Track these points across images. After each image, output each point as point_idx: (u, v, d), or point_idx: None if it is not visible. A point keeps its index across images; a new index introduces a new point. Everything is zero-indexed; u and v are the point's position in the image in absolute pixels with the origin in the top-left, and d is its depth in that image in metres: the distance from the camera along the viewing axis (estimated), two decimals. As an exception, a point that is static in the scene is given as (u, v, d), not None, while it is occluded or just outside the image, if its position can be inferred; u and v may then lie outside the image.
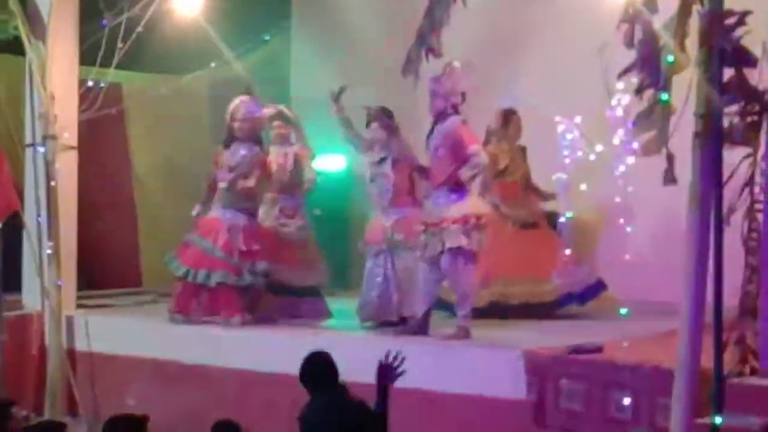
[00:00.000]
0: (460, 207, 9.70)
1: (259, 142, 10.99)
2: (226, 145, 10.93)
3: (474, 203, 9.88)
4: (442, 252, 9.61)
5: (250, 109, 10.87)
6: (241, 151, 10.83)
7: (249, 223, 10.86)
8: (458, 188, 9.77)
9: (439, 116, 9.87)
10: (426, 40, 9.90)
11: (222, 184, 10.86)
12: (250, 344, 10.39)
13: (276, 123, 11.24)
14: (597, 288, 11.11)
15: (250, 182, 10.75)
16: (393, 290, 10.17)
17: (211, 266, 10.69)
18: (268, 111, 11.18)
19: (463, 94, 9.89)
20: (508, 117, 11.26)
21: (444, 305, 10.31)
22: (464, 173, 9.70)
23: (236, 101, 10.92)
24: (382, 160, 10.30)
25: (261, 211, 11.13)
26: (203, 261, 10.76)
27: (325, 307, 11.07)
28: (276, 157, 11.16)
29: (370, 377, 8.62)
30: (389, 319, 10.20)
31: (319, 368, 7.09)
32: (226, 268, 10.67)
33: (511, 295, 10.87)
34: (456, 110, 9.86)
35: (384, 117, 10.31)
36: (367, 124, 10.37)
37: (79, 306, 11.92)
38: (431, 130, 9.94)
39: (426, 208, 10.03)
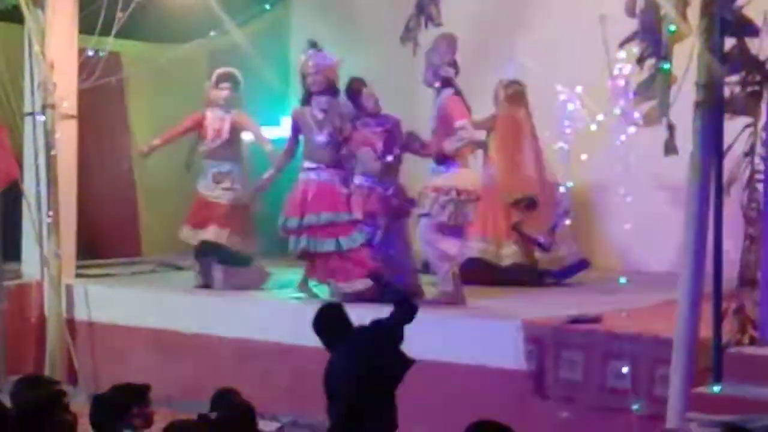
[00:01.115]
0: (445, 178, 9.75)
1: (338, 92, 10.57)
2: (305, 102, 10.63)
3: (461, 177, 9.85)
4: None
5: (320, 60, 10.52)
6: (323, 104, 10.47)
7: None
8: (445, 160, 9.81)
9: (434, 89, 9.92)
10: (425, 9, 9.92)
11: (321, 139, 10.46)
12: (248, 313, 10.40)
13: (224, 85, 11.14)
14: (580, 266, 11.13)
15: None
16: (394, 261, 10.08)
17: None
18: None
19: (455, 65, 9.87)
20: (509, 89, 11.24)
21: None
22: (447, 146, 9.75)
23: (303, 57, 10.61)
24: (377, 131, 10.20)
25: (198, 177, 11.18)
26: None
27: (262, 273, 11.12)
28: (212, 121, 11.12)
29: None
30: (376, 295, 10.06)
31: (332, 320, 7.14)
32: None
33: (503, 256, 10.90)
34: (448, 82, 9.86)
35: (350, 92, 10.29)
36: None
37: (79, 275, 11.92)
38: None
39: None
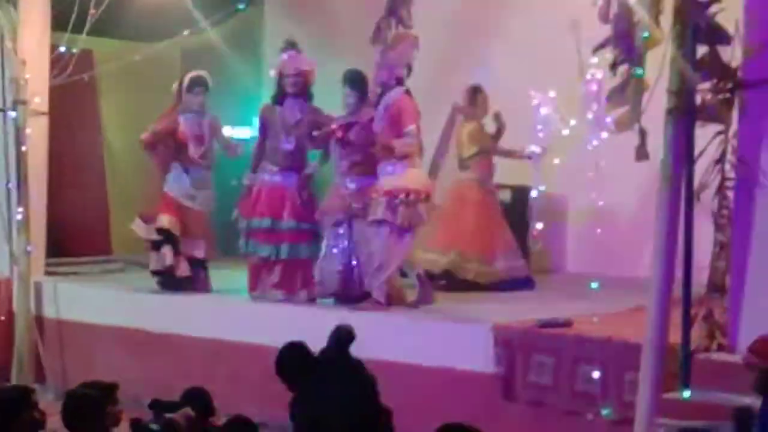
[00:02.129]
0: (395, 179, 9.70)
1: (311, 96, 10.54)
2: (277, 102, 10.54)
3: (411, 177, 9.77)
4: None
5: (300, 63, 10.45)
6: (297, 108, 10.42)
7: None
8: (395, 161, 9.74)
9: (384, 87, 9.85)
10: (396, 11, 9.95)
11: (287, 146, 10.40)
12: (217, 314, 10.38)
13: (198, 89, 11.02)
14: (525, 283, 11.13)
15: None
16: (354, 263, 10.02)
17: None
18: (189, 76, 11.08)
19: (409, 67, 9.89)
20: (475, 95, 11.20)
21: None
22: (397, 148, 9.68)
23: (283, 56, 10.50)
24: (350, 126, 10.06)
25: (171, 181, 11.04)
26: None
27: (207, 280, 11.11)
28: (190, 126, 10.99)
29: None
30: (351, 294, 10.03)
31: (296, 360, 7.11)
32: None
33: (464, 270, 10.90)
34: (399, 82, 9.85)
35: (357, 81, 10.08)
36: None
37: (48, 273, 11.88)
38: (377, 102, 9.93)
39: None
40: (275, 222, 10.31)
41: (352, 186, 10.03)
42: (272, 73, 10.68)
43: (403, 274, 10.19)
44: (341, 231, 10.03)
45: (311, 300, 10.16)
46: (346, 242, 10.02)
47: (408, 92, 9.84)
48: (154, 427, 6.30)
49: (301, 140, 10.37)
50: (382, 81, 9.85)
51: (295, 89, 10.39)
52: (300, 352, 7.29)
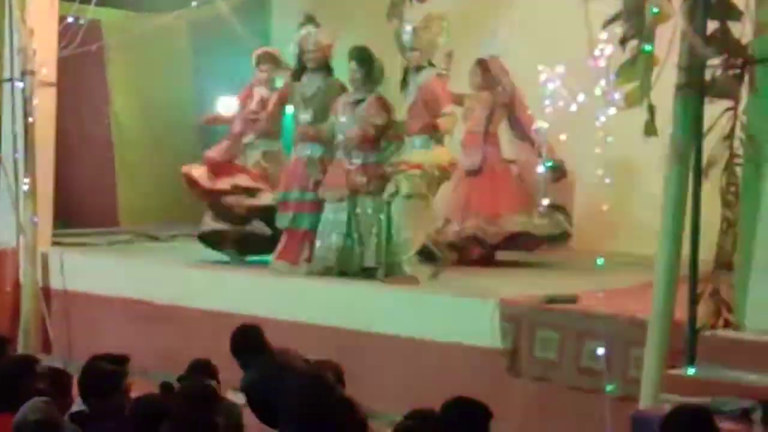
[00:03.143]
0: (423, 155, 9.80)
1: (332, 70, 10.60)
2: (297, 77, 10.64)
3: (438, 153, 9.88)
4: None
5: (320, 38, 10.45)
6: (316, 81, 10.48)
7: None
8: (424, 136, 9.89)
9: (415, 69, 9.84)
10: (412, -14, 9.94)
11: (305, 117, 10.46)
12: (224, 286, 10.39)
13: (262, 66, 11.16)
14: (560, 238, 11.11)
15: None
16: (355, 239, 9.99)
17: None
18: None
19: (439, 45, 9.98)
20: (485, 66, 11.17)
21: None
22: (441, 126, 9.84)
23: (303, 32, 10.52)
24: (358, 102, 10.06)
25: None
26: None
27: None
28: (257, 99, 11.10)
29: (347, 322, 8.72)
30: (348, 271, 10.05)
31: (253, 340, 7.24)
32: None
33: (489, 232, 10.87)
34: (431, 63, 9.87)
35: (363, 57, 10.07)
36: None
37: (55, 243, 11.88)
38: (404, 81, 9.94)
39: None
40: (286, 194, 10.43)
41: (357, 161, 10.01)
42: (291, 48, 10.67)
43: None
44: (344, 206, 10.00)
45: (310, 273, 10.13)
46: (347, 217, 10.00)
47: (440, 75, 9.95)
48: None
49: (318, 112, 10.35)
50: (417, 63, 9.94)
51: (315, 64, 10.43)
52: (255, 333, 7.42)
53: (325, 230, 10.06)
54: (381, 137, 10.01)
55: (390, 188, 9.78)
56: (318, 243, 10.10)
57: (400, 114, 10.19)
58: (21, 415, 5.66)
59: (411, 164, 9.76)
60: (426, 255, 9.94)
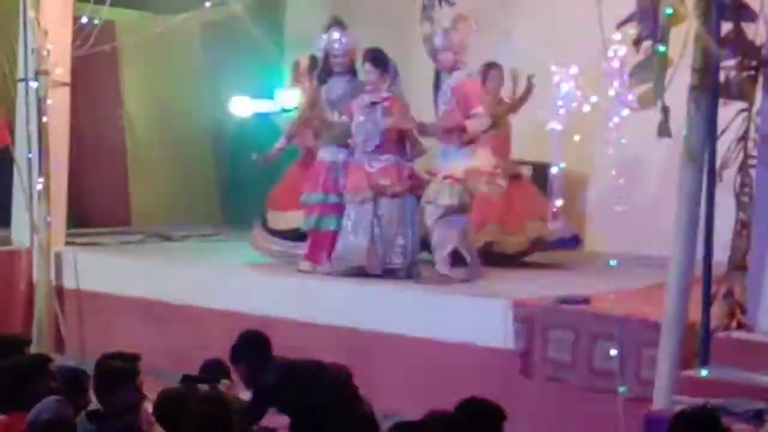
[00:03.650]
0: (462, 163, 9.77)
1: (356, 73, 10.52)
2: (323, 80, 10.56)
3: (477, 159, 9.86)
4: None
5: (347, 42, 10.40)
6: (342, 84, 10.44)
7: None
8: (461, 143, 9.81)
9: (447, 70, 9.92)
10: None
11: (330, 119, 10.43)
12: (237, 286, 10.40)
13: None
14: (572, 242, 11.09)
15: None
16: (378, 241, 9.96)
17: None
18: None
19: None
20: (486, 73, 11.15)
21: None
22: (470, 129, 9.77)
23: (330, 35, 10.43)
24: (373, 105, 10.03)
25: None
26: None
27: None
28: None
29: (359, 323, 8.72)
30: (371, 271, 10.01)
31: (257, 345, 7.16)
32: None
33: (502, 241, 10.86)
34: (463, 64, 9.91)
35: (377, 59, 10.03)
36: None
37: (68, 243, 11.91)
38: (436, 84, 9.96)
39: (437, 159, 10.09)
40: (309, 196, 10.43)
41: (377, 164, 10.00)
42: (318, 52, 10.60)
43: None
44: (367, 207, 10.00)
45: (331, 273, 10.15)
46: (370, 218, 10.00)
47: (470, 75, 9.97)
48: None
49: (343, 115, 10.34)
50: (449, 65, 9.91)
51: (341, 68, 10.42)
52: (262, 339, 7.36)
53: (346, 232, 10.06)
54: (402, 139, 10.02)
55: (429, 195, 9.78)
56: (339, 244, 10.10)
57: (431, 117, 10.18)
58: (34, 413, 5.68)
59: (455, 176, 9.73)
60: (455, 259, 9.94)
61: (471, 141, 9.84)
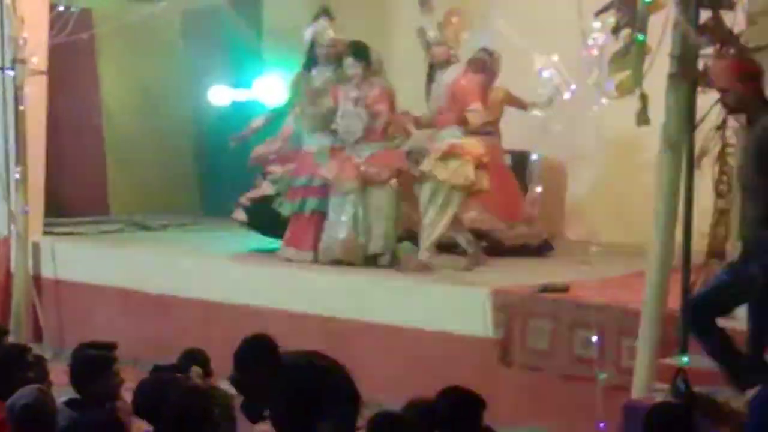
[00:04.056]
0: (451, 142, 9.79)
1: (341, 64, 10.46)
2: (307, 68, 10.63)
3: (468, 141, 9.86)
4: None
5: (334, 34, 10.50)
6: (326, 73, 10.49)
7: None
8: (455, 128, 9.87)
9: (442, 64, 9.95)
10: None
11: (314, 109, 10.47)
12: (216, 275, 10.37)
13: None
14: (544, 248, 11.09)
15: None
16: (360, 231, 10.01)
17: None
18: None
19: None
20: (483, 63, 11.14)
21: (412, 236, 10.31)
22: (471, 121, 9.80)
23: (318, 26, 10.51)
24: (359, 99, 10.09)
25: None
26: None
27: None
28: None
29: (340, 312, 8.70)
30: (353, 261, 10.06)
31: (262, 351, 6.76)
32: None
33: (483, 224, 10.83)
34: (457, 59, 9.92)
35: (359, 51, 10.11)
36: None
37: (46, 233, 11.86)
38: (429, 77, 9.98)
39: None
40: (294, 179, 10.45)
41: (364, 153, 10.07)
42: (306, 39, 10.63)
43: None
44: (352, 198, 10.01)
45: (316, 262, 10.16)
46: (354, 209, 10.02)
47: (467, 70, 9.97)
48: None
49: (326, 104, 10.36)
50: (442, 58, 9.98)
51: (327, 59, 10.46)
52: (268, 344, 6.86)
53: (332, 222, 10.07)
54: (387, 127, 10.08)
55: (423, 175, 9.79)
56: (325, 235, 10.10)
57: (423, 109, 10.17)
58: (12, 399, 5.68)
59: (441, 149, 9.73)
60: (447, 246, 9.96)
61: (471, 133, 9.90)
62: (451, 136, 9.82)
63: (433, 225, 9.72)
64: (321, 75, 10.48)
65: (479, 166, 9.79)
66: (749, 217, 6.39)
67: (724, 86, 6.44)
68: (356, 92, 10.11)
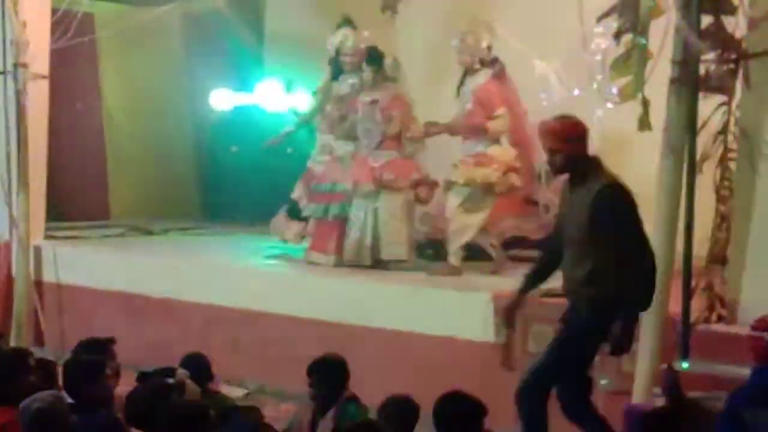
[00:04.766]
0: (478, 153, 9.88)
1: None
2: (334, 77, 10.79)
3: (495, 151, 9.92)
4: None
5: (358, 42, 10.60)
6: (349, 81, 10.63)
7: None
8: (483, 140, 9.93)
9: (468, 70, 10.05)
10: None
11: (339, 115, 10.67)
12: (218, 279, 10.37)
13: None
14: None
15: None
16: (368, 233, 10.10)
17: None
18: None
19: (489, 47, 10.04)
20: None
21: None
22: (490, 129, 9.87)
23: (341, 35, 10.67)
24: (373, 103, 10.26)
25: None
26: None
27: None
28: None
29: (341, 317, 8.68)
30: (363, 263, 10.14)
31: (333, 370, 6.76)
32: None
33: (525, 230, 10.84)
34: (484, 64, 9.99)
35: (372, 56, 10.29)
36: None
37: (48, 237, 11.86)
38: (461, 82, 10.10)
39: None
40: (318, 186, 10.58)
41: (381, 159, 10.22)
42: (329, 48, 10.75)
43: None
44: (368, 201, 10.16)
45: (339, 264, 10.26)
46: (365, 211, 10.16)
47: (496, 75, 10.02)
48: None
49: (349, 111, 10.55)
50: (467, 65, 10.04)
51: (351, 66, 10.58)
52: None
53: (349, 225, 10.21)
54: (401, 133, 10.23)
55: (449, 183, 9.93)
56: (347, 238, 10.23)
57: (450, 116, 10.23)
58: (26, 402, 5.63)
59: (467, 161, 9.85)
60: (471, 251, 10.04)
61: (493, 141, 9.95)
62: (478, 147, 9.92)
63: (462, 231, 9.82)
64: (345, 83, 10.65)
65: (510, 170, 9.87)
66: (577, 277, 6.43)
67: (552, 147, 6.41)
68: (370, 97, 10.30)
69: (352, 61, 10.56)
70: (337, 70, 10.73)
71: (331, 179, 10.49)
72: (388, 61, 10.28)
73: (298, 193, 10.82)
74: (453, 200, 9.87)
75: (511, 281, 9.31)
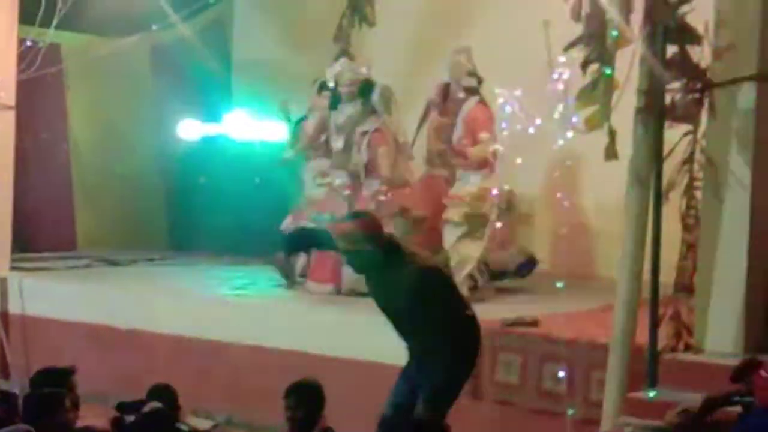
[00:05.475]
0: (469, 186, 10.08)
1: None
2: (333, 106, 10.94)
3: (488, 181, 10.08)
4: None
5: (355, 73, 10.84)
6: (347, 110, 10.80)
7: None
8: (471, 168, 10.11)
9: (454, 100, 10.28)
10: (359, 8, 10.04)
11: (338, 144, 10.84)
12: (185, 310, 10.33)
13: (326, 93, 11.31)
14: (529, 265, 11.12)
15: None
16: None
17: None
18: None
19: (476, 75, 10.23)
20: (447, 90, 11.22)
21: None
22: (471, 156, 10.05)
23: (337, 66, 10.93)
24: (363, 135, 10.49)
25: None
26: None
27: None
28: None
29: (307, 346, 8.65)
30: (361, 291, 10.13)
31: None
32: None
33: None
34: (470, 92, 10.12)
35: (362, 90, 10.57)
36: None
37: (13, 268, 11.79)
38: (438, 109, 10.49)
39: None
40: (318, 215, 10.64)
41: (368, 190, 10.49)
42: (329, 80, 10.98)
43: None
44: None
45: (338, 293, 10.37)
46: None
47: (482, 102, 10.16)
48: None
49: (348, 140, 10.73)
50: (452, 94, 10.30)
51: (350, 97, 10.75)
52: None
53: None
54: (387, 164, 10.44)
55: (445, 218, 10.08)
56: (344, 268, 10.22)
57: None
58: None
59: (460, 196, 10.05)
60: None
61: (481, 165, 10.07)
62: (469, 182, 10.09)
63: (463, 263, 9.92)
64: (343, 111, 10.80)
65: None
66: (414, 352, 6.83)
67: (358, 248, 6.51)
68: (363, 127, 10.56)
69: (348, 91, 10.74)
70: (335, 100, 10.89)
71: (330, 210, 10.53)
72: (375, 94, 10.53)
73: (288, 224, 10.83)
74: (450, 235, 9.99)
75: (481, 309, 9.37)
